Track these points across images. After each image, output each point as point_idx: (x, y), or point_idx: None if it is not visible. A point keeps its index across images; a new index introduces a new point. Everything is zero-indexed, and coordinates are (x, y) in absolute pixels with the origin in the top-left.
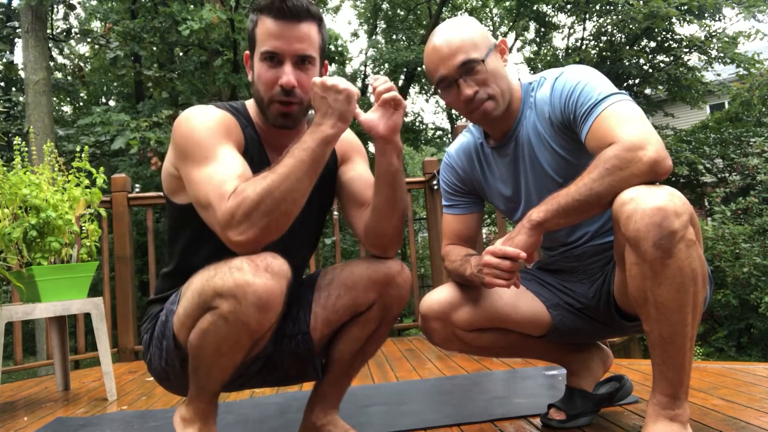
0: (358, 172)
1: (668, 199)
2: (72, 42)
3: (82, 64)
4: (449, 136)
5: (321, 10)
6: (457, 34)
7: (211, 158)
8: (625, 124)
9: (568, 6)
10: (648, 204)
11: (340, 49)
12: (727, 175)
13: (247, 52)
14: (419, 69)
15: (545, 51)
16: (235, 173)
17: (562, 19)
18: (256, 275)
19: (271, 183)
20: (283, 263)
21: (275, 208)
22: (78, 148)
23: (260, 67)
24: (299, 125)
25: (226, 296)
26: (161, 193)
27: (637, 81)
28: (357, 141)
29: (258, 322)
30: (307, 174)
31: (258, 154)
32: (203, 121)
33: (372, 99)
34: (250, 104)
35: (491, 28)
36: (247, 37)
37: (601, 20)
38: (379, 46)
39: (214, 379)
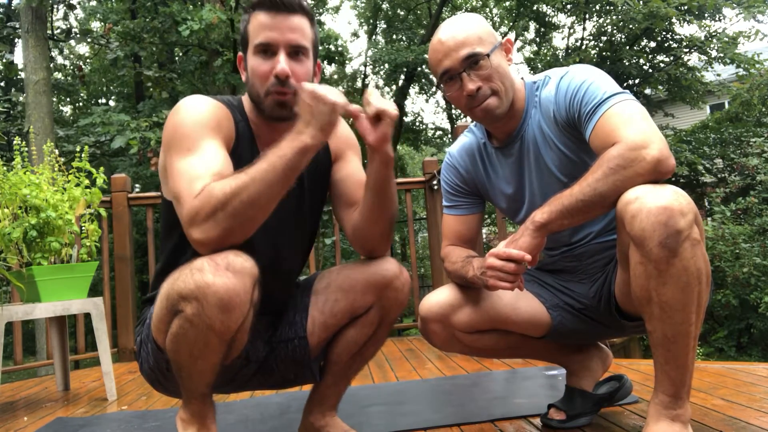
0: (350, 171)
1: (673, 198)
2: (72, 42)
3: (82, 64)
4: (449, 136)
5: (321, 11)
6: (462, 29)
7: (192, 151)
8: (629, 124)
9: (568, 6)
10: (653, 203)
11: (340, 49)
12: (727, 175)
13: (241, 54)
14: (419, 69)
15: (545, 51)
16: (210, 171)
17: (562, 19)
18: (217, 275)
19: (240, 185)
20: (246, 260)
21: (241, 212)
22: (78, 148)
23: (254, 61)
24: (295, 119)
25: (188, 299)
26: (161, 193)
27: (637, 81)
28: (352, 136)
29: (223, 323)
30: (279, 182)
31: (249, 149)
32: (194, 113)
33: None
34: (246, 99)
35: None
36: (240, 38)
37: (601, 20)
38: (379, 46)
39: (196, 382)
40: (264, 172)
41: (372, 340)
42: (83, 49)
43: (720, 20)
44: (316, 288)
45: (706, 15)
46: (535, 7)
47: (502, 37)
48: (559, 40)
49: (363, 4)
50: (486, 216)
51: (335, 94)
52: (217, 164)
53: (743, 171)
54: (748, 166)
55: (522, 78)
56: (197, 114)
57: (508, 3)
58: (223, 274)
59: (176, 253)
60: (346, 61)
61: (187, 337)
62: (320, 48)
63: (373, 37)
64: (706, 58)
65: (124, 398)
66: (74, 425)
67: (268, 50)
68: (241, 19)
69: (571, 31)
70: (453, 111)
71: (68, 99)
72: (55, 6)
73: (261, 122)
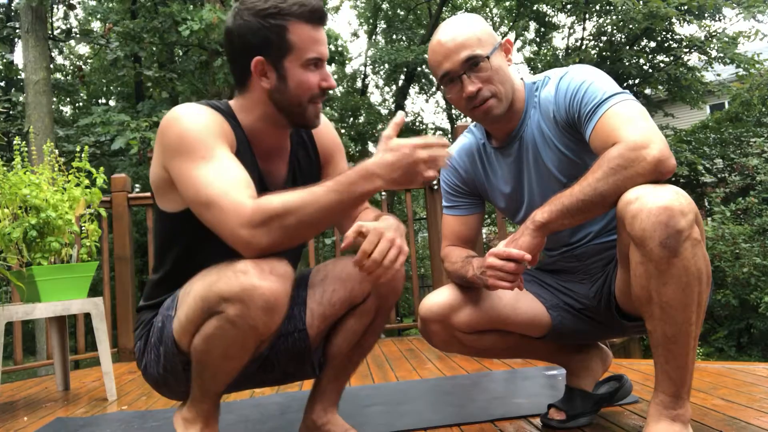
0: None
1: (674, 197)
2: (72, 42)
3: (82, 64)
4: (449, 136)
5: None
6: (462, 30)
7: (210, 158)
8: (629, 124)
9: (568, 6)
10: (654, 203)
11: (340, 49)
12: (727, 175)
13: (260, 57)
14: (419, 69)
15: (545, 51)
16: (245, 179)
17: (562, 19)
18: (263, 278)
19: (300, 203)
20: (287, 265)
21: (294, 227)
22: (78, 148)
23: (302, 74)
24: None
25: (232, 300)
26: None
27: (637, 81)
28: (337, 136)
29: (266, 325)
30: (340, 212)
31: (248, 155)
32: (198, 120)
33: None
34: (233, 104)
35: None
36: (265, 42)
37: (601, 20)
38: (379, 46)
39: (219, 381)
40: (329, 200)
41: (370, 330)
42: (83, 49)
43: (720, 20)
44: (312, 281)
45: (706, 15)
46: (535, 7)
47: (502, 37)
48: (559, 40)
49: (363, 4)
50: (486, 216)
51: (433, 169)
52: (242, 172)
53: (743, 171)
54: (748, 166)
55: (522, 78)
56: (202, 121)
57: (508, 3)
58: (268, 278)
59: (181, 261)
60: (346, 61)
61: (225, 337)
62: None
63: (373, 37)
64: (706, 58)
65: (124, 398)
66: (74, 425)
67: (318, 63)
68: (268, 24)
69: (571, 31)
70: (453, 111)
71: (68, 99)
72: (55, 6)
73: (257, 128)
